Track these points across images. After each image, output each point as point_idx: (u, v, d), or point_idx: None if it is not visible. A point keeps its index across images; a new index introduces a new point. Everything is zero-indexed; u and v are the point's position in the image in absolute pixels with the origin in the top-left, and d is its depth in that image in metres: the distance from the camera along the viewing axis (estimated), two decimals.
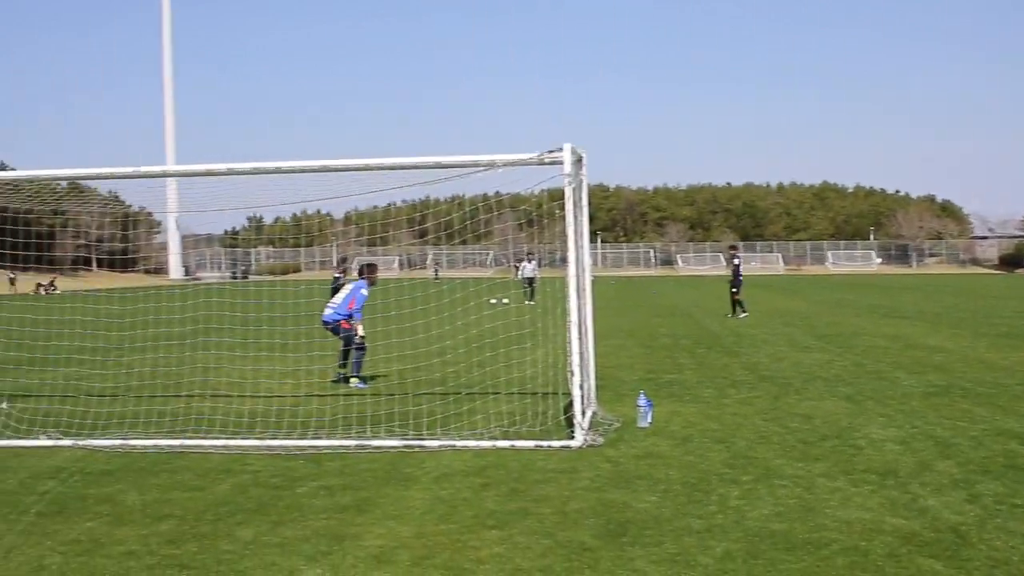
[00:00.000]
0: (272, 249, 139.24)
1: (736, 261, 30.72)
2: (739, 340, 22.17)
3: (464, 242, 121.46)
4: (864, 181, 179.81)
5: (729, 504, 7.97)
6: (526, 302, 37.55)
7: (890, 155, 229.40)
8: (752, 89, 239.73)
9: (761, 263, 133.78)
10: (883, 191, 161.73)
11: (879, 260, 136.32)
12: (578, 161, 11.55)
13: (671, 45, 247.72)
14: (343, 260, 23.49)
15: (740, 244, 33.46)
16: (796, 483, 8.62)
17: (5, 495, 8.75)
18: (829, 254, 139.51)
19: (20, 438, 11.34)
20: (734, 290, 30.22)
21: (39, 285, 72.36)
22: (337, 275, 21.37)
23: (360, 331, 15.65)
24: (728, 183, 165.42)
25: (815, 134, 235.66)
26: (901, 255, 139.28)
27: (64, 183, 15.47)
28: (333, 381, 15.84)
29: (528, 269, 40.97)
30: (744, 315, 29.95)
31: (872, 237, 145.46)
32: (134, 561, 6.79)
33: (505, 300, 37.13)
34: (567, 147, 11.02)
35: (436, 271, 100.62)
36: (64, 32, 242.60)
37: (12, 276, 70.21)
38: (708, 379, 15.46)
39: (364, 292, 15.87)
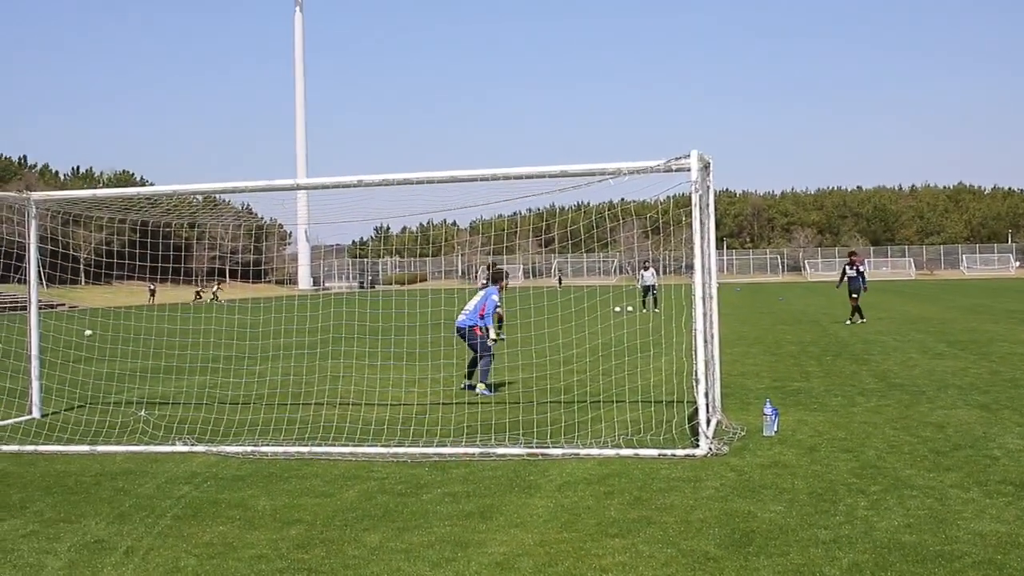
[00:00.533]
0: (399, 259, 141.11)
1: (861, 268, 30.32)
2: (868, 347, 21.71)
3: (591, 250, 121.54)
4: (1002, 182, 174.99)
5: (857, 514, 7.82)
6: (643, 310, 37.50)
7: None
8: (883, 88, 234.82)
9: (891, 268, 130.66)
10: (1022, 192, 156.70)
11: (1017, 264, 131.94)
12: (705, 168, 11.48)
13: (797, 46, 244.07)
14: (492, 266, 23.54)
15: (860, 252, 33.04)
16: (927, 494, 8.42)
17: (143, 499, 9.05)
18: (964, 258, 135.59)
19: (157, 444, 11.72)
20: (855, 295, 29.97)
21: (199, 293, 74.87)
22: (484, 282, 21.55)
23: (492, 334, 15.83)
24: (858, 186, 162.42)
25: (950, 134, 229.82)
26: None
27: (200, 197, 15.92)
28: (461, 388, 16.00)
29: (647, 277, 40.90)
30: (849, 322, 29.91)
31: (1010, 240, 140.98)
32: (264, 564, 6.96)
33: (630, 308, 37.08)
34: (694, 154, 10.96)
35: (560, 279, 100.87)
36: (199, 49, 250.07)
37: (152, 288, 72.66)
38: (836, 387, 15.18)
39: (495, 298, 16.07)
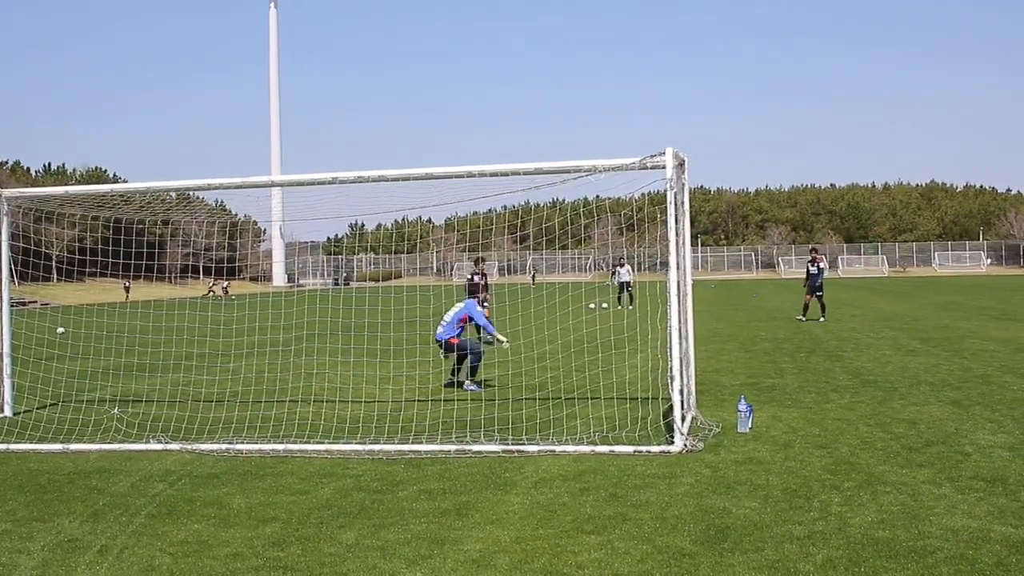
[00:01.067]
0: (373, 256, 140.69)
1: (822, 265, 30.43)
2: (842, 344, 21.83)
3: (564, 247, 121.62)
4: (974, 180, 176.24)
5: (831, 511, 7.87)
6: (619, 307, 37.62)
7: (1001, 152, 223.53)
8: (857, 87, 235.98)
9: (865, 265, 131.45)
10: (993, 190, 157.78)
11: (989, 261, 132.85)
12: (680, 165, 11.50)
13: (771, 45, 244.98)
14: (479, 260, 23.00)
15: (820, 247, 32.60)
16: (900, 490, 8.48)
17: (117, 497, 9.01)
18: (936, 255, 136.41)
19: (131, 442, 11.66)
20: (819, 293, 30.08)
21: (211, 289, 74.38)
22: (472, 275, 21.38)
23: (500, 336, 15.80)
24: (832, 184, 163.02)
25: (923, 132, 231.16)
26: (1012, 256, 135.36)
27: (173, 194, 15.84)
28: (444, 385, 15.92)
29: (622, 274, 41.06)
30: (822, 319, 30.03)
31: (982, 237, 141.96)
32: (240, 563, 6.95)
33: (604, 305, 37.15)
34: (669, 151, 10.99)
35: (533, 276, 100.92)
36: (173, 45, 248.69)
37: (127, 285, 72.27)
38: (810, 383, 15.26)
39: (480, 309, 16.00)
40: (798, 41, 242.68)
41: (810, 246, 37.34)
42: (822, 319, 29.96)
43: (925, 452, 9.97)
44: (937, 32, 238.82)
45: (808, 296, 30.48)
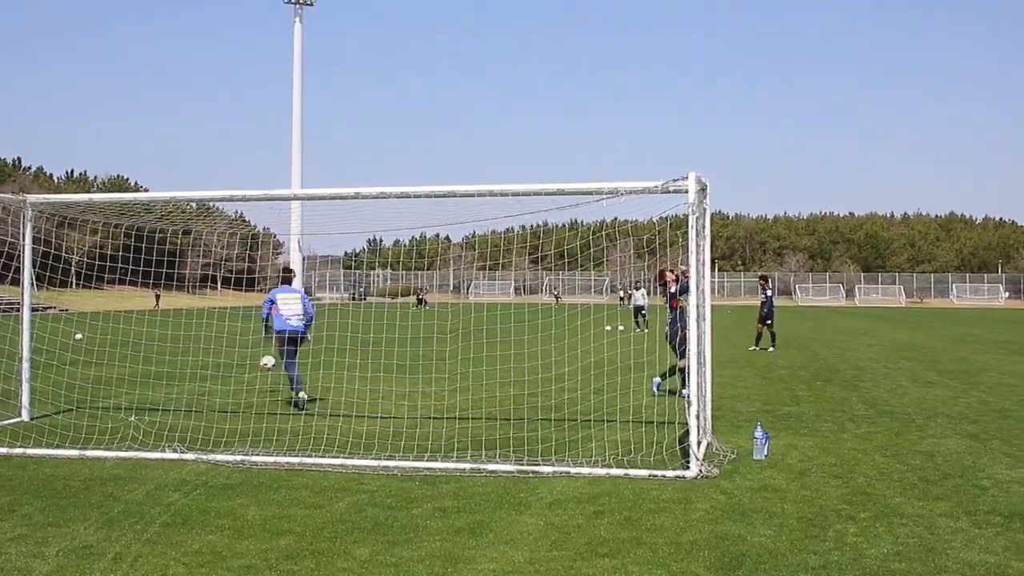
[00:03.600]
0: (390, 271, 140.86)
1: (769, 293, 30.39)
2: (859, 374, 21.75)
3: (584, 269, 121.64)
4: (993, 212, 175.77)
5: (846, 541, 7.83)
6: (635, 330, 37.56)
7: (1022, 185, 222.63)
8: (878, 115, 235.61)
9: (882, 295, 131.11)
10: (1013, 223, 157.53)
11: (1007, 294, 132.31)
12: (702, 190, 11.49)
13: (792, 71, 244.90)
14: (765, 279, 19.48)
15: (769, 276, 31.89)
16: (916, 522, 8.43)
17: (133, 505, 9.03)
18: (954, 287, 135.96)
19: (147, 450, 11.69)
20: (769, 322, 29.94)
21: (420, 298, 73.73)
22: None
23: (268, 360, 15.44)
24: (851, 212, 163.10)
25: (943, 163, 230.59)
26: None
27: (194, 204, 15.91)
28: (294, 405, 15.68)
29: (637, 297, 41.03)
30: (771, 348, 29.91)
31: (1000, 270, 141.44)
32: (253, 575, 6.95)
33: (621, 328, 37.11)
34: (692, 176, 10.98)
35: (557, 297, 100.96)
36: (196, 55, 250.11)
37: (158, 293, 72.54)
38: (826, 412, 15.20)
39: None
40: (819, 68, 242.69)
41: (759, 275, 37.18)
42: (771, 348, 29.71)
43: (942, 485, 9.92)
44: (960, 63, 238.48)
45: (760, 325, 30.41)
